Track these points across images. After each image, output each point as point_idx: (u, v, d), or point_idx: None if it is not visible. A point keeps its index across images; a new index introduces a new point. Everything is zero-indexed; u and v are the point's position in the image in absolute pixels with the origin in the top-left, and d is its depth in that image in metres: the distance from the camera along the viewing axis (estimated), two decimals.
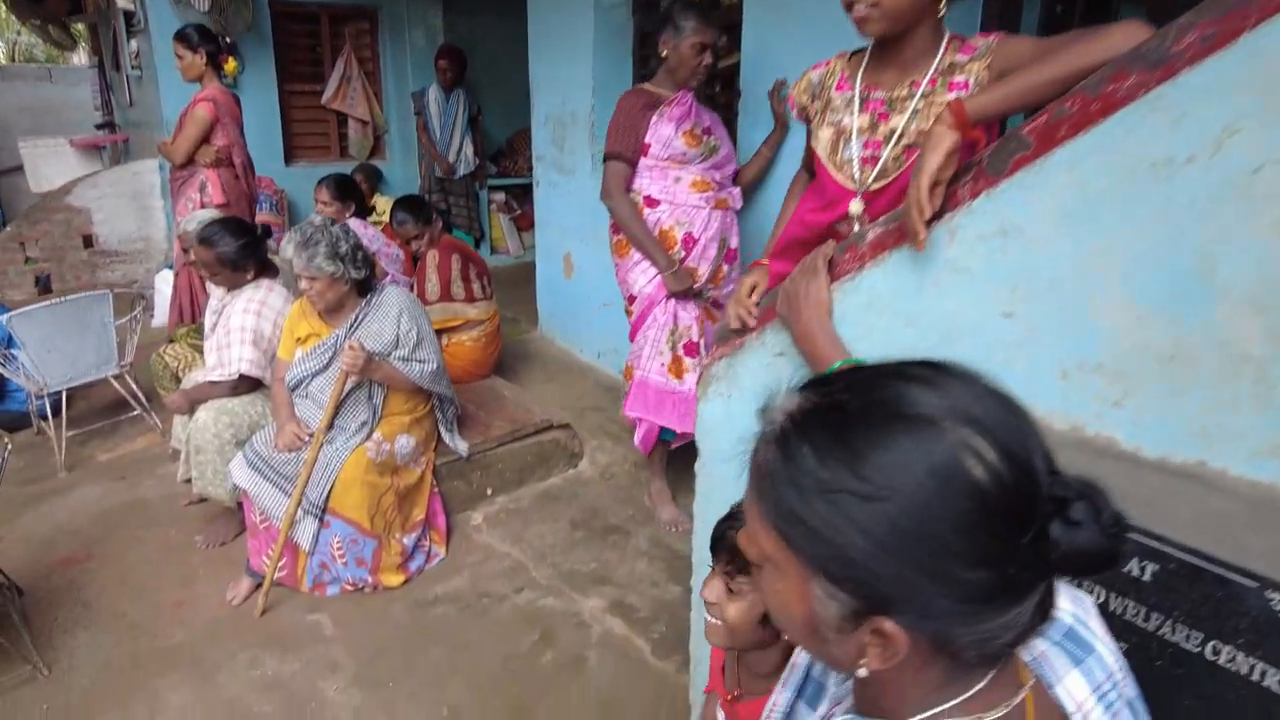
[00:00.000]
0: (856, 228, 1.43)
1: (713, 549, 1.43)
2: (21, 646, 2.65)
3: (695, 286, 3.19)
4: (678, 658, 2.68)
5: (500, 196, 7.65)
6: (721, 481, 1.83)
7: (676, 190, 3.10)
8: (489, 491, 3.59)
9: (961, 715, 0.72)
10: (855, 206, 1.52)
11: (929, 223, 1.26)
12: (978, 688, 0.73)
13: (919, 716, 0.73)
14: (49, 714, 2.47)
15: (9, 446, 2.74)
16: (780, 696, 1.05)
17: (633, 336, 3.36)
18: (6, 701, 2.51)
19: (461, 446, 3.41)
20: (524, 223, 7.72)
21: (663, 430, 3.33)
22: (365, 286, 3.03)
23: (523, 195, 7.65)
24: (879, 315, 1.38)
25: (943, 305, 1.28)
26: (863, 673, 0.71)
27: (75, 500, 3.67)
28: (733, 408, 1.74)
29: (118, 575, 3.12)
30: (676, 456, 3.49)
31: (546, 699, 2.53)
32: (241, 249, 3.19)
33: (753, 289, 1.71)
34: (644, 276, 3.21)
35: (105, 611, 2.93)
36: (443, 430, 3.37)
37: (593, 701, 2.51)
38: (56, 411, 3.89)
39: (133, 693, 2.55)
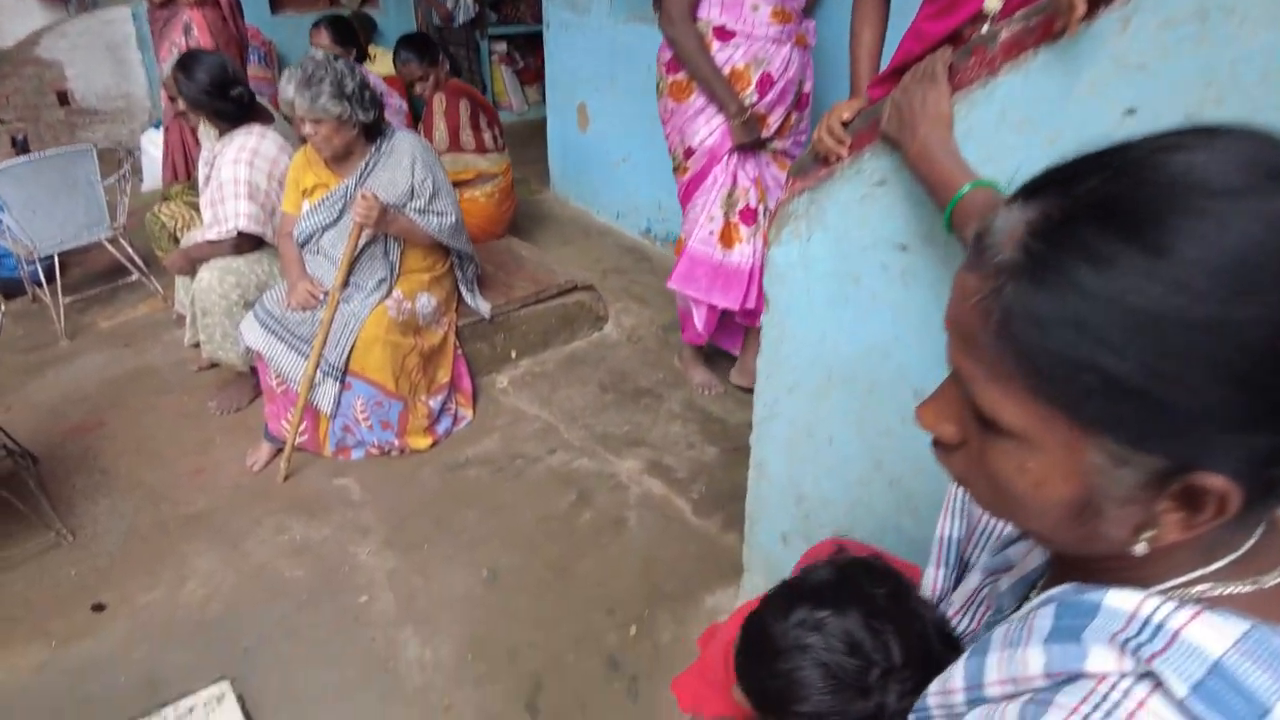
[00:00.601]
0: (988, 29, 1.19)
1: None
2: (42, 514, 2.56)
3: (762, 136, 2.77)
4: (719, 517, 2.61)
5: (502, 47, 7.15)
6: (794, 335, 1.66)
7: (755, 20, 2.58)
8: (513, 355, 3.45)
9: (1235, 579, 0.58)
10: (992, 2, 1.27)
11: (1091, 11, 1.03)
12: (1247, 545, 0.58)
13: (1176, 581, 0.59)
14: (77, 578, 2.41)
15: (3, 310, 2.56)
16: (936, 574, 0.92)
17: (685, 199, 2.93)
18: (34, 567, 2.45)
19: (484, 307, 3.24)
20: (528, 76, 7.25)
21: None
22: (374, 131, 2.75)
23: (526, 46, 7.14)
24: (1014, 131, 1.17)
25: (1103, 113, 1.07)
26: (1141, 549, 0.56)
27: (80, 368, 3.52)
28: (812, 251, 1.55)
29: (133, 443, 3.02)
30: None
31: (586, 558, 2.47)
32: (209, 92, 2.87)
33: (844, 117, 1.47)
34: (707, 126, 2.74)
35: (123, 479, 2.83)
36: (463, 290, 3.19)
37: (635, 560, 2.45)
38: (51, 278, 3.69)
39: (160, 558, 2.49)
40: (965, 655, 0.69)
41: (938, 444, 0.67)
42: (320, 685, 2.09)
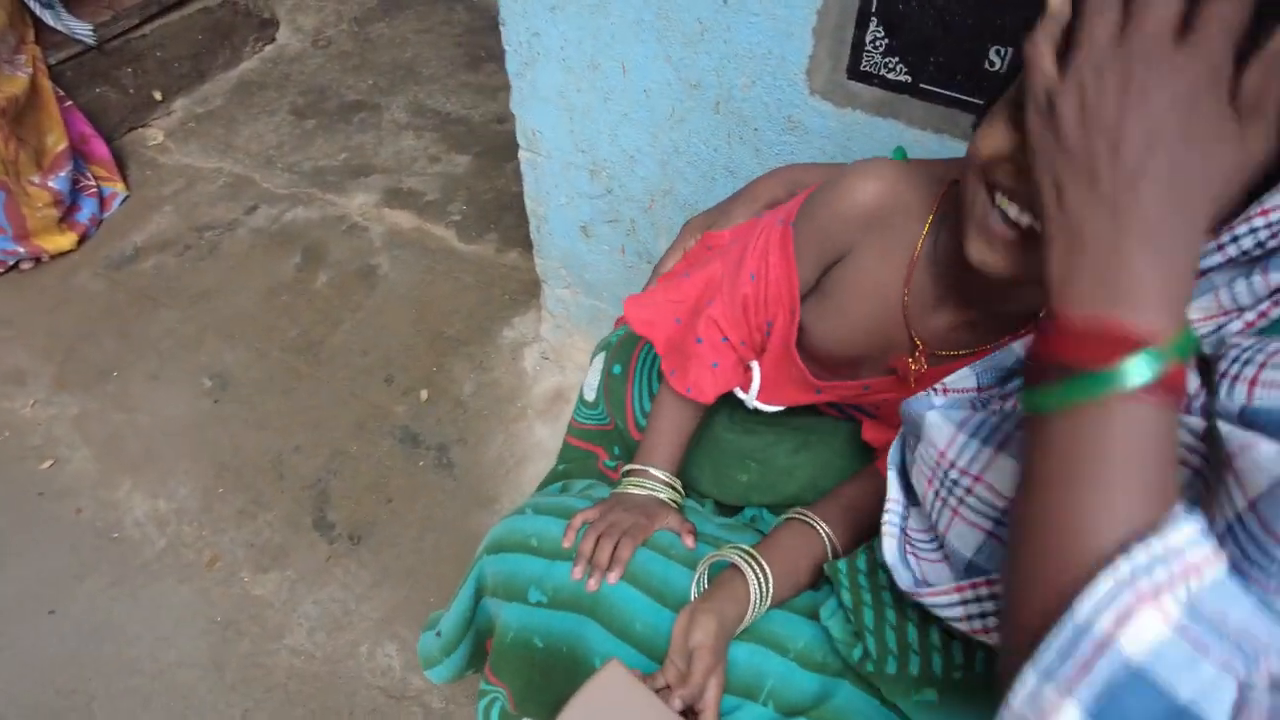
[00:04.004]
0: None
1: None
2: None
3: None
4: (493, 235, 2.11)
5: None
6: None
7: None
8: (157, 96, 2.51)
9: None
10: None
11: None
12: None
13: None
14: None
15: None
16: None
17: None
18: None
19: (80, 28, 2.23)
20: None
21: None
22: None
23: None
24: None
25: None
26: None
27: None
28: None
29: None
30: None
31: (338, 328, 1.91)
32: None
33: None
34: None
35: None
36: (32, 3, 2.15)
37: (402, 312, 1.93)
38: None
39: None
40: None
41: None
42: (30, 596, 1.50)
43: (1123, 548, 0.40)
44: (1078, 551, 0.42)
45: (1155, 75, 0.41)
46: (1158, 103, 0.41)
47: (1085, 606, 0.39)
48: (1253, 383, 0.44)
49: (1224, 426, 0.44)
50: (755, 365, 0.81)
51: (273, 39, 2.81)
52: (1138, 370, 0.41)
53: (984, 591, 0.56)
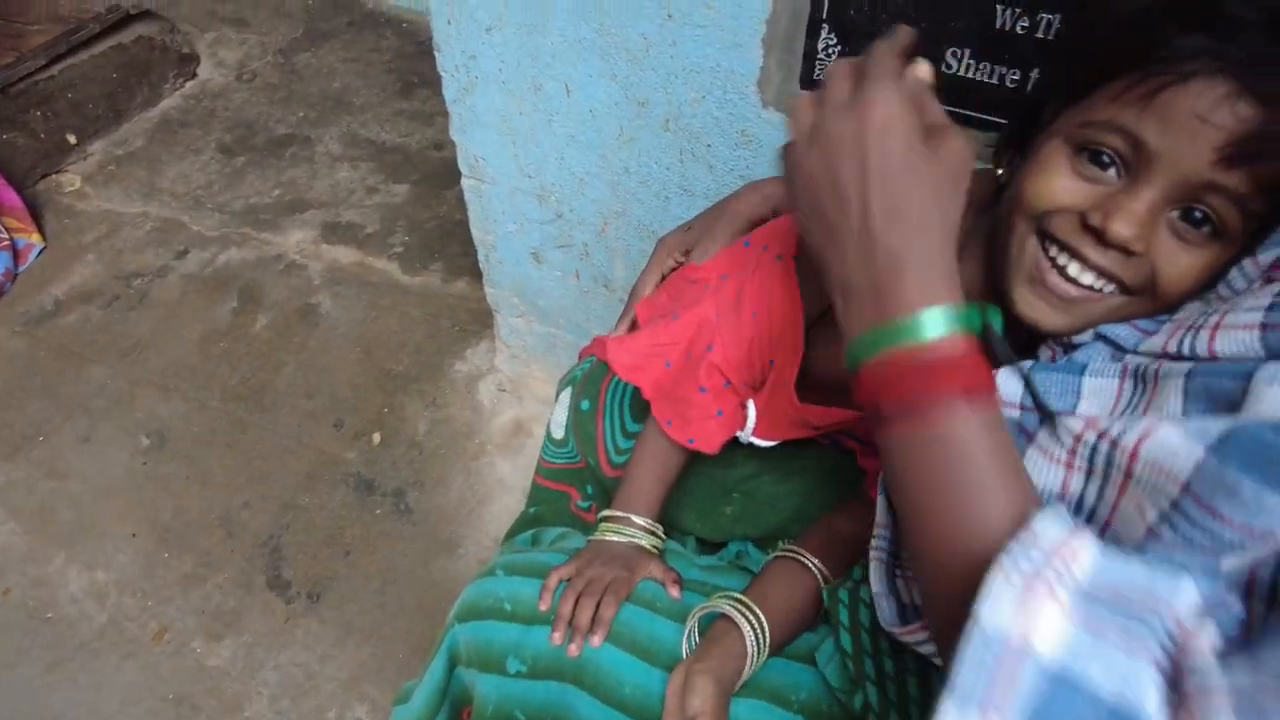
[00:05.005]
0: None
1: None
2: None
3: None
4: (439, 264, 2.04)
5: None
6: None
7: None
8: (72, 139, 2.39)
9: None
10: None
11: None
12: None
13: None
14: None
15: None
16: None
17: None
18: None
19: None
20: None
21: None
22: None
23: None
24: None
25: None
26: None
27: None
28: None
29: None
30: None
31: (281, 372, 1.82)
32: None
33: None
34: None
35: None
36: None
37: (347, 352, 1.85)
38: None
39: None
40: None
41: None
42: None
43: (1000, 546, 0.39)
44: (959, 557, 0.42)
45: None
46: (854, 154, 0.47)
47: (985, 608, 0.37)
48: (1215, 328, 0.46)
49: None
50: (751, 403, 0.76)
51: (194, 74, 2.70)
52: (932, 323, 0.44)
53: None
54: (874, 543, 0.61)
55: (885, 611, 0.58)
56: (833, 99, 0.49)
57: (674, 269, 0.86)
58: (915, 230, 0.46)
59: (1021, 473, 0.45)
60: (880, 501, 0.62)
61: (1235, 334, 0.45)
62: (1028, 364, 0.55)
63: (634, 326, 0.85)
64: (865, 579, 0.70)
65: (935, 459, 0.44)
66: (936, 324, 0.45)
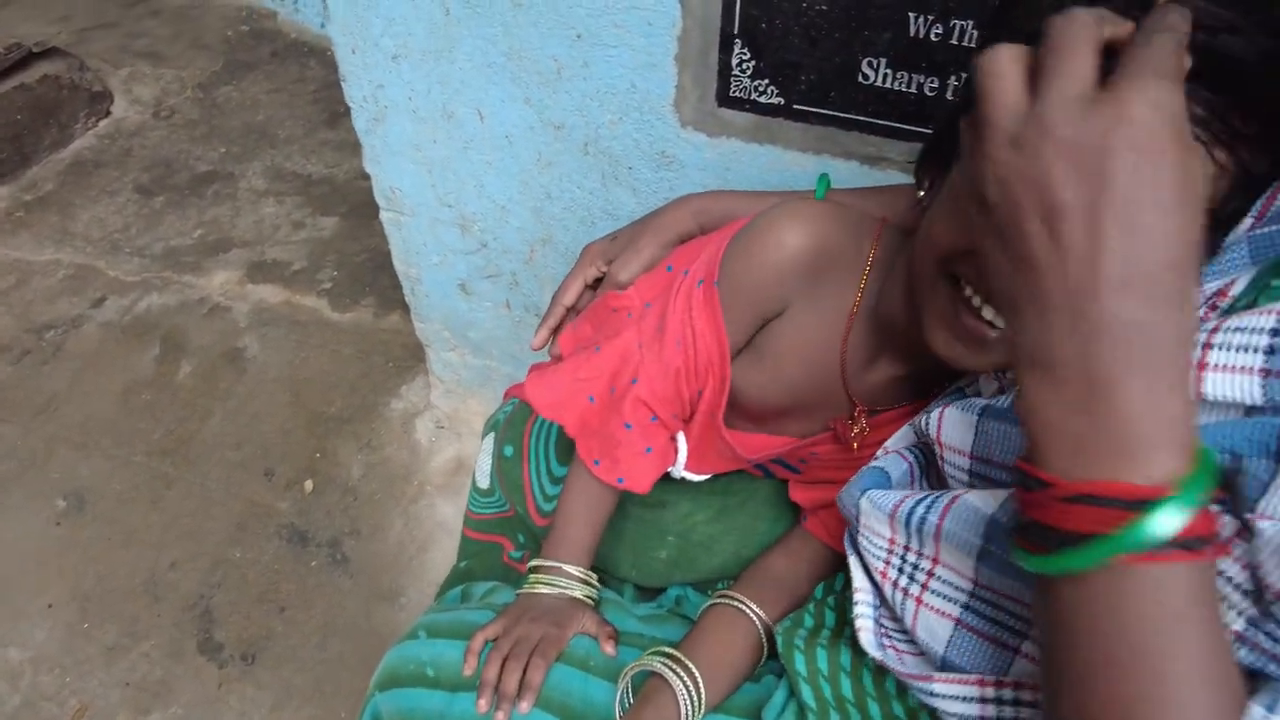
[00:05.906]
0: None
1: None
2: None
3: None
4: (370, 299, 1.97)
5: None
6: None
7: None
8: None
9: None
10: None
11: None
12: None
13: None
14: None
15: None
16: None
17: None
18: None
19: None
20: None
21: None
22: None
23: None
24: None
25: None
26: None
27: None
28: None
29: None
30: None
31: (207, 421, 1.74)
32: None
33: None
34: None
35: None
36: None
37: (276, 396, 1.77)
38: None
39: None
40: None
41: None
42: None
43: None
44: None
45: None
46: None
47: None
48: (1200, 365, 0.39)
49: None
50: (681, 436, 0.72)
51: (107, 113, 2.59)
52: (1155, 527, 0.32)
53: (1026, 695, 0.45)
54: (856, 609, 0.56)
55: (896, 663, 0.53)
56: (1065, 87, 0.33)
57: (597, 278, 0.82)
58: (1162, 302, 0.32)
59: (1226, 649, 0.34)
60: (853, 563, 0.58)
61: (1231, 377, 0.38)
62: (979, 403, 0.51)
63: (557, 356, 0.81)
64: (820, 624, 0.66)
65: (1127, 620, 0.33)
66: (1177, 509, 0.32)
